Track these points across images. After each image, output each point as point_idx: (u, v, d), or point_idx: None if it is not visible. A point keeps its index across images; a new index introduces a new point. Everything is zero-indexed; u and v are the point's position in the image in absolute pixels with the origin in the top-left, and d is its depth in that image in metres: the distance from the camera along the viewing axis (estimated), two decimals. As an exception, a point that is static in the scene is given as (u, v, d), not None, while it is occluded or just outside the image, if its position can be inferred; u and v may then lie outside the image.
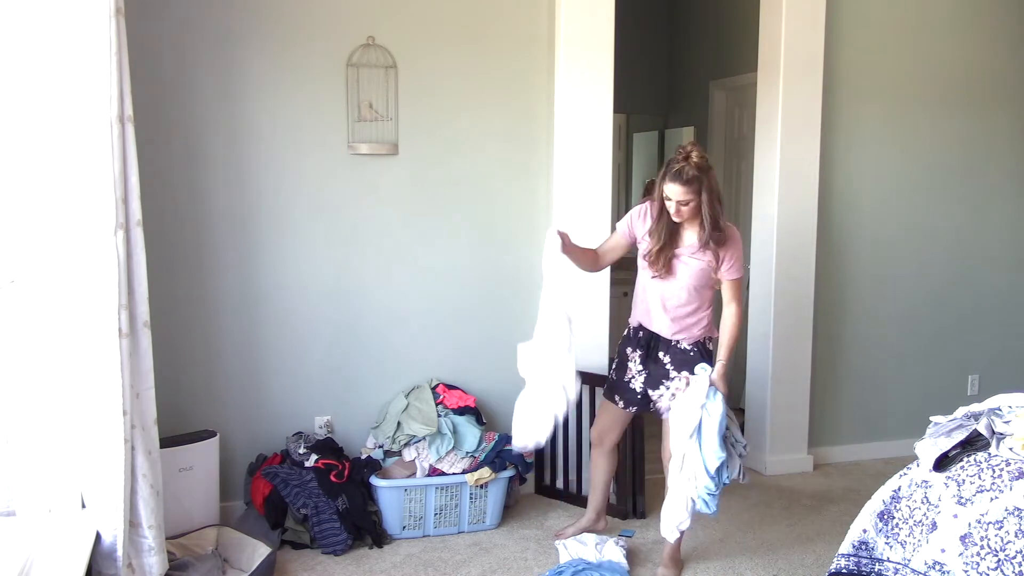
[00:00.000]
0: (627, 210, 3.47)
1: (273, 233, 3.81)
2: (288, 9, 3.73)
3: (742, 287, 3.33)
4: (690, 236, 3.25)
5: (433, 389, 3.92)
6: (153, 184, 3.40)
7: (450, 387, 3.97)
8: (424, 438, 3.71)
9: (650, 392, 3.40)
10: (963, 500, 2.40)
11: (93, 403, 2.79)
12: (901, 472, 2.67)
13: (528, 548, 3.63)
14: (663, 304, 3.31)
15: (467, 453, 3.73)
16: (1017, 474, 2.36)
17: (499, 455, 3.79)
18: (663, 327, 3.33)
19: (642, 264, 3.36)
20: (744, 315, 5.07)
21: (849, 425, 4.80)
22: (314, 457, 3.68)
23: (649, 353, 3.38)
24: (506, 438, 3.87)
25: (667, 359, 3.34)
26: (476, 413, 3.89)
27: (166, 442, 3.34)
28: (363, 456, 3.81)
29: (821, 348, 4.68)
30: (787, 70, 4.36)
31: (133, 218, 2.86)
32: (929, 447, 2.60)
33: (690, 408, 3.14)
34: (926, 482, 2.53)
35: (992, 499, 2.34)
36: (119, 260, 2.77)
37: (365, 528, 3.59)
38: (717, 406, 3.11)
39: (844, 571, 2.66)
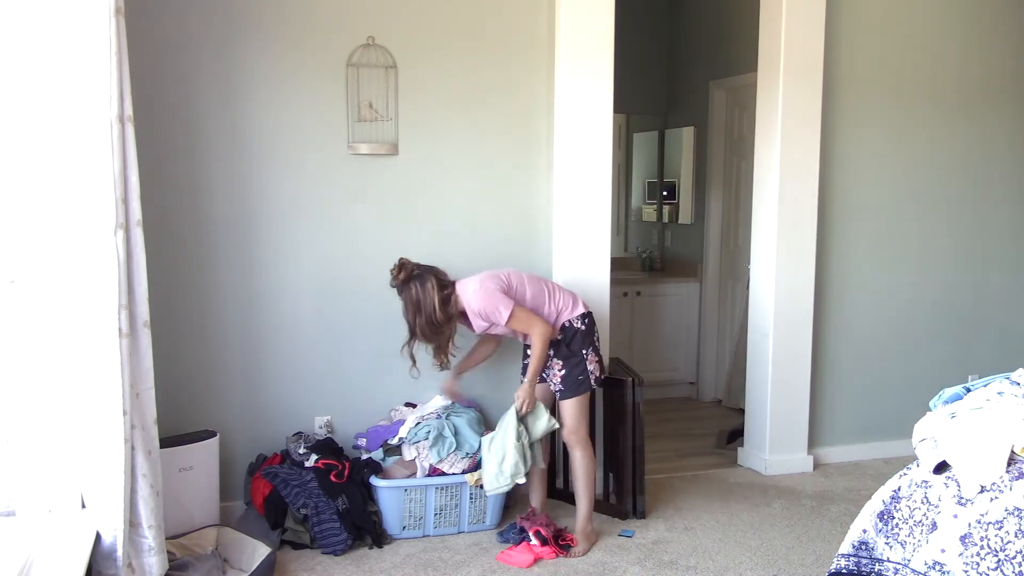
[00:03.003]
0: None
1: (273, 233, 3.81)
2: (288, 9, 3.73)
3: (521, 318, 3.49)
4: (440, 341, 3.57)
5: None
6: (153, 184, 3.41)
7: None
8: (427, 438, 3.71)
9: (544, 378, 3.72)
10: (963, 500, 2.40)
11: (93, 403, 2.79)
12: (901, 472, 2.67)
13: (528, 548, 3.63)
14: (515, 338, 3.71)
15: (467, 454, 3.73)
16: (1017, 474, 2.36)
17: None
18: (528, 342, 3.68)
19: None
20: (743, 315, 5.08)
21: (849, 425, 4.80)
22: (314, 457, 3.68)
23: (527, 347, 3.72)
24: None
25: (551, 350, 3.65)
26: (477, 414, 3.90)
27: (166, 442, 3.34)
28: (363, 456, 3.81)
29: (821, 348, 4.68)
30: (787, 70, 4.36)
31: (133, 218, 2.86)
32: (929, 449, 2.60)
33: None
34: (926, 482, 2.53)
35: (992, 499, 2.34)
36: (119, 260, 2.77)
37: (365, 528, 3.59)
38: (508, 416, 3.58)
39: (844, 571, 2.66)
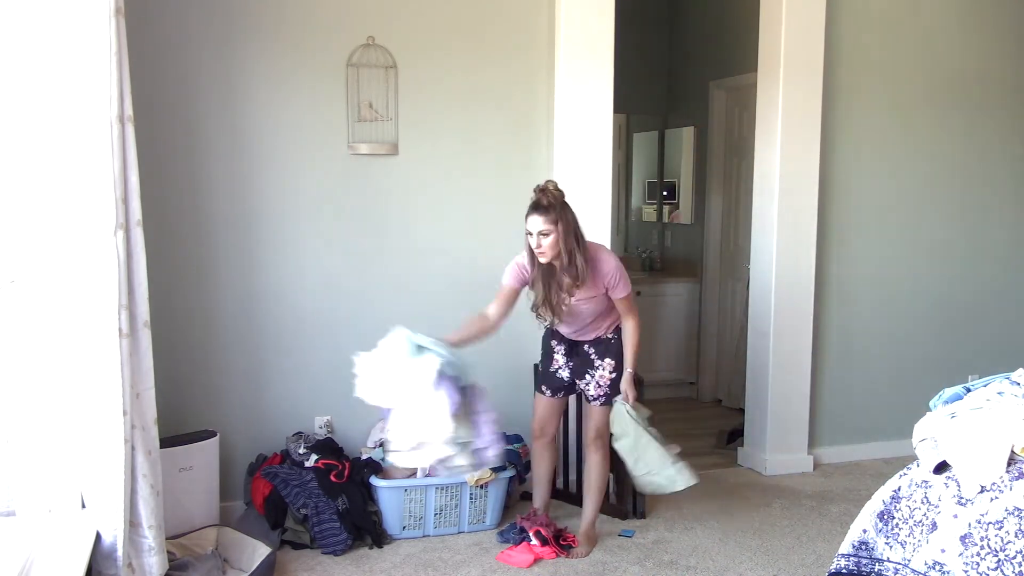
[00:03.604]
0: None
1: (273, 233, 3.81)
2: (288, 9, 3.73)
3: (632, 299, 3.48)
4: (564, 279, 3.29)
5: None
6: (153, 184, 3.40)
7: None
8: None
9: (577, 381, 3.63)
10: (963, 500, 2.40)
11: (93, 403, 2.79)
12: (901, 472, 2.67)
13: (528, 548, 3.63)
14: (570, 325, 3.52)
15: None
16: (1017, 474, 2.36)
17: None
18: (578, 338, 3.58)
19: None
20: (743, 315, 5.08)
21: (849, 425, 4.80)
22: (314, 457, 3.68)
23: (573, 347, 3.60)
24: (504, 438, 3.88)
25: (591, 350, 3.57)
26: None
27: (166, 442, 3.34)
28: (363, 456, 3.81)
29: (821, 348, 4.68)
30: (787, 70, 4.36)
31: (133, 218, 2.86)
32: (929, 449, 2.60)
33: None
34: (926, 482, 2.53)
35: (992, 499, 2.34)
36: (119, 260, 2.77)
37: (365, 528, 3.59)
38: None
39: (844, 571, 2.65)
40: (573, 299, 3.35)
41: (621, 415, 3.47)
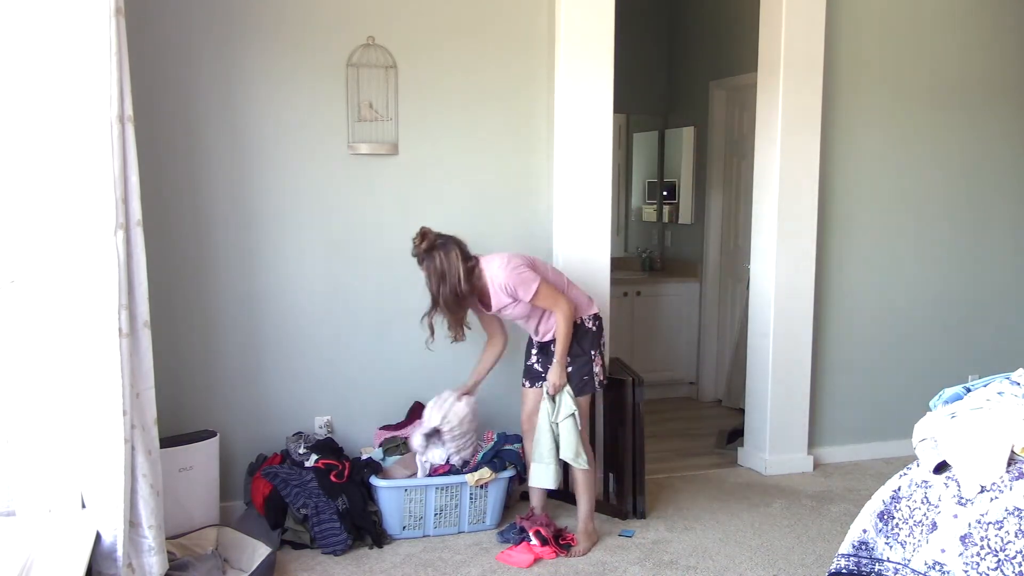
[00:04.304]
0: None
1: (273, 233, 3.81)
2: (288, 9, 3.73)
3: (547, 295, 3.48)
4: (447, 308, 3.48)
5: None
6: (153, 184, 3.41)
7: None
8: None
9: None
10: (963, 500, 2.40)
11: (93, 403, 2.79)
12: (901, 472, 2.67)
13: (528, 548, 3.63)
14: (527, 329, 3.71)
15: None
16: (1017, 474, 2.36)
17: (498, 455, 3.80)
18: (539, 339, 3.69)
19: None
20: (743, 315, 5.08)
21: (849, 425, 4.80)
22: (314, 457, 3.68)
23: (542, 347, 3.70)
24: (505, 438, 3.88)
25: (552, 347, 3.63)
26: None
27: (166, 442, 3.34)
28: (363, 456, 3.81)
29: (821, 348, 4.68)
30: (787, 70, 4.36)
31: (133, 218, 2.86)
32: (929, 449, 2.60)
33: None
34: (926, 482, 2.53)
35: (992, 499, 2.34)
36: (119, 260, 2.77)
37: (365, 528, 3.59)
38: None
39: (844, 571, 2.65)
40: (495, 311, 3.55)
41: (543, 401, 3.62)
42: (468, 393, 3.76)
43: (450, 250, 3.40)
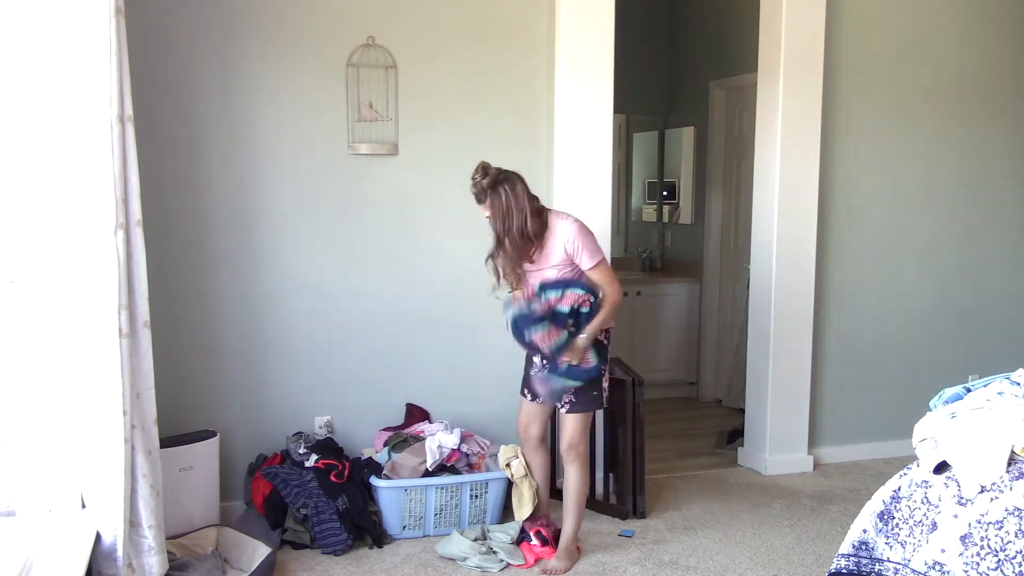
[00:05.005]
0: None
1: (273, 233, 3.81)
2: (288, 9, 3.73)
3: (606, 271, 3.31)
4: (511, 249, 3.26)
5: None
6: (153, 184, 3.40)
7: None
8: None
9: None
10: (963, 500, 2.40)
11: (93, 403, 2.79)
12: (901, 472, 2.67)
13: (528, 548, 3.63)
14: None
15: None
16: (1017, 474, 2.36)
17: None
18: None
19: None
20: (744, 315, 5.08)
21: (849, 425, 4.80)
22: (314, 457, 3.68)
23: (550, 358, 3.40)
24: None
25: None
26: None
27: (166, 442, 3.34)
28: (363, 456, 3.81)
29: (821, 348, 4.68)
30: (787, 70, 4.36)
31: (133, 218, 2.86)
32: (929, 449, 2.60)
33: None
34: (926, 482, 2.53)
35: (992, 499, 2.34)
36: (119, 260, 2.77)
37: (365, 528, 3.59)
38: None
39: (844, 571, 2.65)
40: (534, 269, 3.30)
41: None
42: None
43: (515, 183, 3.20)
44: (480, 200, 3.23)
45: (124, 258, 2.80)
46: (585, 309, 3.27)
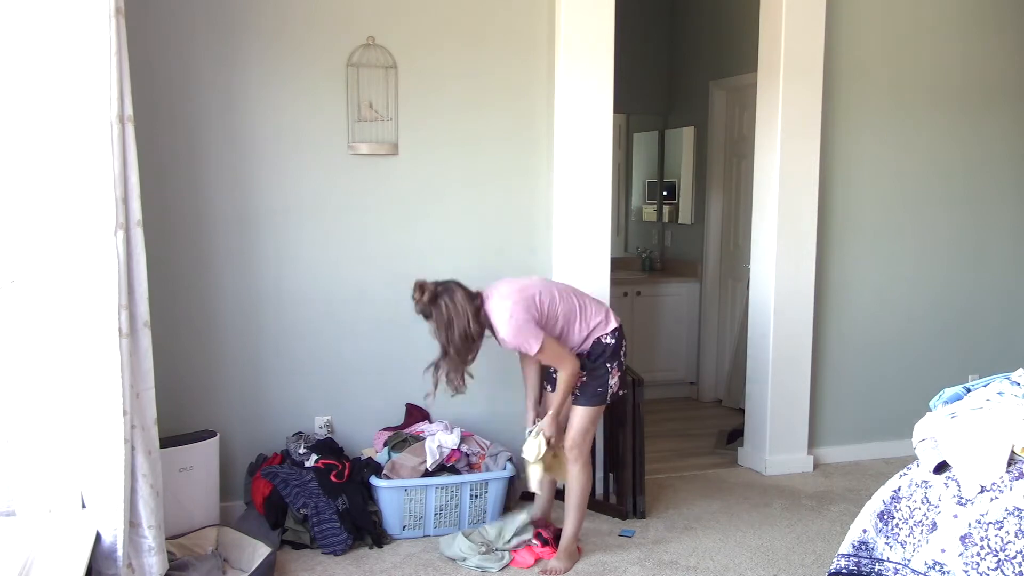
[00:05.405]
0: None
1: (273, 233, 3.81)
2: (288, 9, 3.73)
3: (551, 352, 3.31)
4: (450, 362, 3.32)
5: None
6: (153, 184, 3.40)
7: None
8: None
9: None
10: (963, 500, 2.40)
11: (93, 403, 2.79)
12: (901, 472, 2.67)
13: (528, 548, 3.63)
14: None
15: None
16: (1017, 474, 2.36)
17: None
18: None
19: None
20: (743, 315, 5.08)
21: (849, 425, 4.80)
22: (314, 457, 3.68)
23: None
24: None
25: (586, 358, 3.48)
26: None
27: (166, 442, 3.34)
28: (363, 456, 3.81)
29: (821, 348, 4.68)
30: (787, 70, 4.36)
31: (133, 218, 2.86)
32: (929, 449, 2.60)
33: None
34: (926, 482, 2.53)
35: (992, 499, 2.34)
36: (119, 260, 2.77)
37: (365, 528, 3.59)
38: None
39: (844, 571, 2.66)
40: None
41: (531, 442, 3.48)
42: (539, 417, 3.57)
43: (454, 293, 3.25)
44: (426, 317, 3.30)
45: (124, 258, 2.80)
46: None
